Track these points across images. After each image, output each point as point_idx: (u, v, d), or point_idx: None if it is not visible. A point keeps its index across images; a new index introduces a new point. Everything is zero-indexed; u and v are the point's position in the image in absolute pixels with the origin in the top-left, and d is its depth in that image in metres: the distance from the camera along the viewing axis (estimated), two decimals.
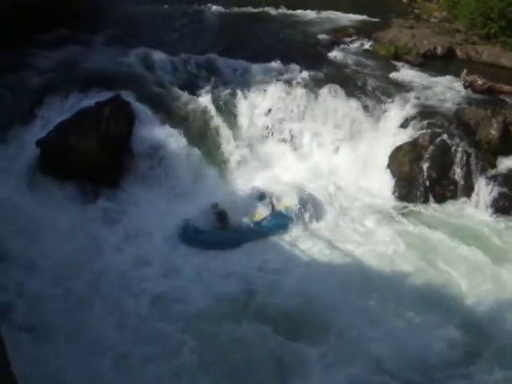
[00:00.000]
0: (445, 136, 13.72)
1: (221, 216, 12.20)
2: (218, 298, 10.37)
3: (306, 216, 12.62)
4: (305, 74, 15.63)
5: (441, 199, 13.44)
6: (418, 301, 10.50)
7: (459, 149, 13.56)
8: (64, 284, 10.41)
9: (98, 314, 9.85)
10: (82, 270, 10.80)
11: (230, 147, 14.13)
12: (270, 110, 14.84)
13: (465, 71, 16.11)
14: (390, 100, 14.86)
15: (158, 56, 16.10)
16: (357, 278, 10.97)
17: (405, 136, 13.99)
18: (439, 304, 10.46)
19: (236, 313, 10.06)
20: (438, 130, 13.85)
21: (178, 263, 11.33)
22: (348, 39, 19.25)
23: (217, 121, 14.28)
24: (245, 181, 13.68)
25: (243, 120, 14.65)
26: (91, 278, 10.63)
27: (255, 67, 15.88)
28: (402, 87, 15.56)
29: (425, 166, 13.52)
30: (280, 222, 12.41)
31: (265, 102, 14.89)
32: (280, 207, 12.63)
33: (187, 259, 11.45)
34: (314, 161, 14.36)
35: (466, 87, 15.81)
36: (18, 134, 13.23)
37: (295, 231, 12.39)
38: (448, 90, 15.68)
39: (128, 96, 13.91)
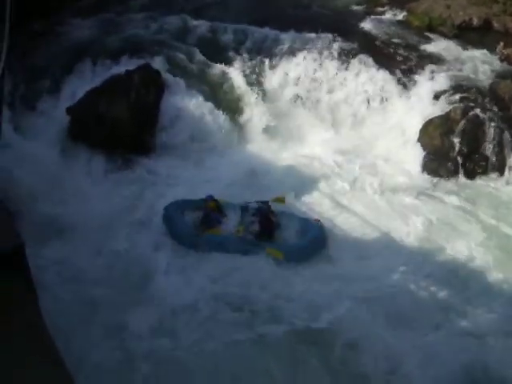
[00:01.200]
0: (478, 110, 13.43)
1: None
2: None
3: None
4: (336, 44, 15.39)
5: (471, 174, 13.18)
6: (450, 277, 10.37)
7: (492, 124, 13.26)
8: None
9: None
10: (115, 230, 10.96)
11: (259, 118, 14.00)
12: (299, 80, 14.69)
13: (501, 44, 15.66)
14: (422, 72, 14.55)
15: (189, 25, 16.02)
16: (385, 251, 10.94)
17: (436, 109, 13.72)
18: (469, 282, 10.30)
19: None
20: (471, 104, 13.56)
21: None
22: (381, 10, 18.77)
23: (246, 91, 14.20)
24: (273, 153, 13.61)
25: (273, 90, 14.54)
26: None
27: (286, 37, 15.69)
28: (435, 59, 15.20)
29: (456, 140, 13.27)
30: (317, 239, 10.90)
31: (295, 72, 14.73)
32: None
33: None
34: (343, 133, 14.21)
35: (502, 60, 15.38)
36: (49, 101, 13.42)
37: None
38: (483, 63, 15.26)
39: (158, 64, 13.93)
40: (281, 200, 11.32)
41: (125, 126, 12.84)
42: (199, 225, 10.81)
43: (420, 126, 13.63)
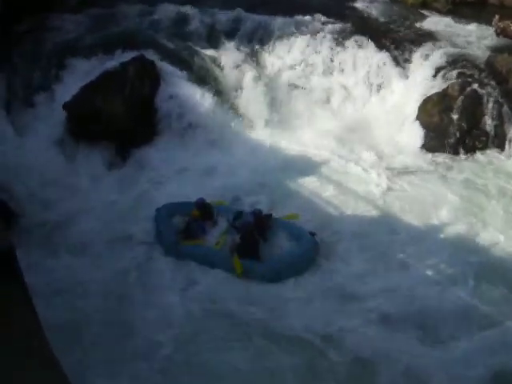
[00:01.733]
0: (476, 85, 13.31)
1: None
2: None
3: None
4: (330, 26, 15.25)
5: (471, 150, 13.09)
6: (450, 253, 10.31)
7: (491, 98, 13.14)
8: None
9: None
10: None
11: (256, 105, 13.95)
12: (295, 65, 14.61)
13: (497, 17, 15.46)
14: (418, 50, 14.38)
15: (182, 14, 15.87)
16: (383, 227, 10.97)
17: (434, 86, 13.60)
18: (470, 257, 10.20)
19: None
20: (469, 80, 13.43)
21: None
22: None
23: (242, 77, 14.10)
24: (272, 140, 13.55)
25: (269, 76, 14.44)
26: None
27: (280, 22, 15.52)
28: (431, 36, 15.05)
29: (455, 116, 13.16)
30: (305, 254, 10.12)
31: (290, 57, 14.66)
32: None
33: None
34: (341, 115, 14.12)
35: (498, 34, 15.20)
36: (45, 97, 13.41)
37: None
38: (479, 38, 15.11)
39: (152, 55, 13.85)
40: (294, 217, 10.63)
41: (121, 120, 12.80)
42: (181, 233, 10.35)
43: (418, 104, 13.54)
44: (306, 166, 12.74)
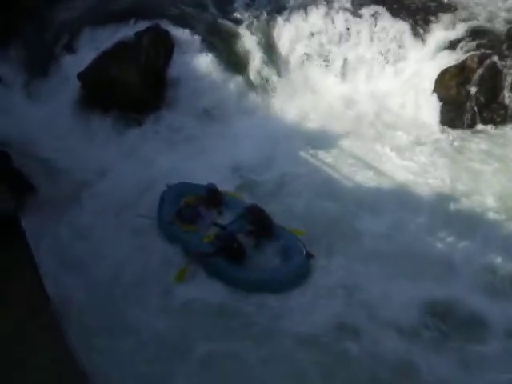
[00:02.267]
0: (495, 58, 13.00)
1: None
2: None
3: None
4: None
5: (489, 124, 12.87)
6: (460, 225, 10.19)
7: (510, 71, 12.88)
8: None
9: None
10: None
11: (269, 73, 13.87)
12: (311, 34, 14.37)
13: None
14: (436, 21, 14.05)
15: None
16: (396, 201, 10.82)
17: (452, 58, 13.32)
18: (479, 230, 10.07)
19: None
20: (488, 52, 13.13)
21: None
22: None
23: (257, 47, 14.01)
24: (286, 110, 13.47)
25: (284, 46, 14.29)
26: None
27: None
28: (450, 6, 14.64)
29: (473, 89, 12.91)
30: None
31: (306, 27, 14.40)
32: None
33: None
34: (356, 86, 13.95)
35: None
36: (59, 67, 13.55)
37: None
38: (499, 9, 14.73)
39: (167, 25, 13.78)
40: (301, 233, 9.82)
41: (135, 89, 12.84)
42: (175, 216, 10.06)
43: (435, 77, 13.29)
44: (318, 138, 12.63)
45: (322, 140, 12.59)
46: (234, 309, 8.60)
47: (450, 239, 9.87)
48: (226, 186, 10.76)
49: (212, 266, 9.22)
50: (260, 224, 9.54)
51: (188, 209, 10.06)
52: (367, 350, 7.84)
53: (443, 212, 10.54)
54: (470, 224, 10.14)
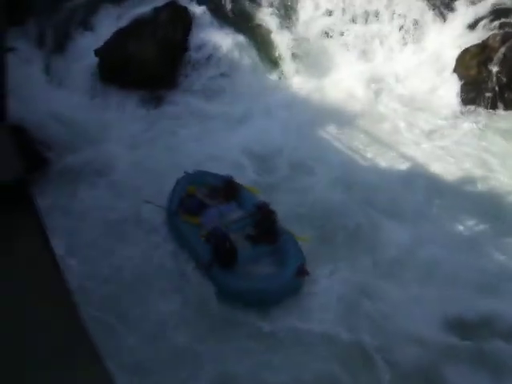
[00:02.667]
0: None
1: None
2: None
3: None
4: None
5: (511, 105, 12.73)
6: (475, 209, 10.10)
7: None
8: None
9: None
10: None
11: (288, 51, 13.68)
12: (330, 12, 14.20)
13: None
14: None
15: None
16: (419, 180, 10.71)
17: (473, 37, 13.18)
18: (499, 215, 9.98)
19: None
20: (511, 31, 12.96)
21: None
22: None
23: (275, 24, 13.86)
24: (305, 88, 13.34)
25: (303, 22, 14.12)
26: None
27: None
28: None
29: (494, 69, 12.71)
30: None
31: (326, 3, 14.21)
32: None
33: None
34: (376, 65, 13.76)
35: None
36: (76, 44, 13.39)
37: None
38: None
39: (185, 1, 13.66)
40: (305, 240, 9.09)
41: (153, 66, 12.71)
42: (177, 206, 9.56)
43: (456, 56, 13.12)
44: (336, 119, 12.49)
45: (340, 120, 12.46)
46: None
47: (479, 228, 9.72)
48: (237, 170, 10.52)
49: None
50: (264, 227, 8.86)
51: (189, 199, 9.53)
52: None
53: (467, 196, 10.39)
54: (497, 211, 9.99)
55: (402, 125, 12.31)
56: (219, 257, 8.40)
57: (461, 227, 9.79)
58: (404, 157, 11.48)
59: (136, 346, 7.60)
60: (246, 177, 10.53)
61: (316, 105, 12.85)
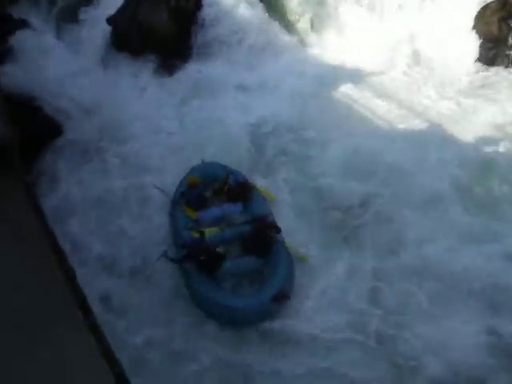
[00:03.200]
0: None
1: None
2: None
3: None
4: None
5: None
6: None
7: None
8: None
9: None
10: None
11: (302, 12, 13.52)
12: None
13: None
14: None
15: None
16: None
17: None
18: None
19: None
20: None
21: None
22: None
23: None
24: (319, 49, 13.27)
25: None
26: None
27: None
28: None
29: None
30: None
31: None
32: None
33: None
34: (393, 24, 13.34)
35: None
36: (89, 12, 13.38)
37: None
38: None
39: None
40: (304, 259, 8.66)
41: (166, 33, 12.64)
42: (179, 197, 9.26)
43: (475, 12, 12.71)
44: (353, 78, 12.36)
45: (357, 82, 12.28)
46: None
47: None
48: (242, 147, 10.47)
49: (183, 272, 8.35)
50: (258, 239, 8.32)
51: (191, 191, 9.12)
52: None
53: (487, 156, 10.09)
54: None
55: (420, 83, 12.12)
56: (199, 263, 7.98)
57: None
58: (419, 115, 11.30)
59: None
60: (256, 152, 10.49)
61: (329, 66, 12.68)
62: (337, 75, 12.44)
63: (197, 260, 7.98)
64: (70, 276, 4.03)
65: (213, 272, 8.04)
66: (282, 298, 7.83)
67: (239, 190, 9.07)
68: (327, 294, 8.25)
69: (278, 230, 8.40)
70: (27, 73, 11.48)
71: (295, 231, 9.03)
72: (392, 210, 9.27)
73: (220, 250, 8.22)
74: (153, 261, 8.31)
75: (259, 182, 9.69)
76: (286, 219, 9.09)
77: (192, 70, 12.60)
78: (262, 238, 8.27)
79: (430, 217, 9.13)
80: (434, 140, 10.56)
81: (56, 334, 3.79)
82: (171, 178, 9.75)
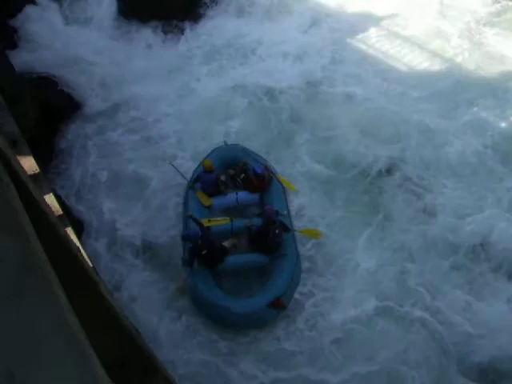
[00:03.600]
0: None
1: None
2: None
3: None
4: None
5: None
6: None
7: None
8: None
9: None
10: None
11: None
12: None
13: None
14: None
15: None
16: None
17: None
18: None
19: None
20: None
21: None
22: None
23: None
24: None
25: None
26: None
27: None
28: None
29: None
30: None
31: None
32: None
33: None
34: None
35: None
36: None
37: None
38: None
39: None
40: (314, 234, 8.34)
41: None
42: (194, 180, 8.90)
43: None
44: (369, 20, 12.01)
45: (378, 27, 11.86)
46: None
47: None
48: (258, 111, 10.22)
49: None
50: (263, 238, 7.83)
51: (206, 176, 8.66)
52: None
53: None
54: None
55: (439, 23, 11.70)
56: (200, 258, 7.67)
57: None
58: (436, 55, 11.01)
59: None
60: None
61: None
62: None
63: (199, 255, 7.62)
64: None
65: (214, 267, 7.71)
66: (278, 305, 7.45)
67: (257, 180, 8.59)
68: (353, 272, 7.96)
69: (287, 229, 7.97)
70: (37, 50, 11.14)
71: (316, 203, 8.82)
72: (420, 176, 8.95)
73: (227, 242, 7.90)
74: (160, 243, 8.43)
75: (278, 149, 9.54)
76: (306, 189, 8.95)
77: (202, 33, 12.15)
78: (268, 236, 7.75)
79: (463, 184, 8.77)
80: (463, 95, 10.12)
81: None
82: (191, 151, 9.69)
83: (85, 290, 2.39)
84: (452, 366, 6.95)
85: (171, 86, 10.97)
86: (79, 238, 8.27)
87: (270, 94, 10.59)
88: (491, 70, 10.55)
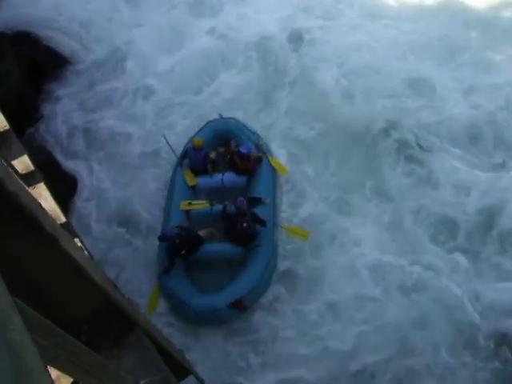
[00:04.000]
0: None
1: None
2: None
3: None
4: None
5: None
6: None
7: None
8: None
9: None
10: None
11: None
12: None
13: None
14: None
15: None
16: None
17: None
18: None
19: None
20: None
21: None
22: None
23: None
24: None
25: None
26: None
27: None
28: None
29: None
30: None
31: None
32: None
33: None
34: None
35: None
36: None
37: None
38: None
39: None
40: (301, 234, 7.89)
41: None
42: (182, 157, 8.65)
43: None
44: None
45: None
46: None
47: None
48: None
49: None
50: (232, 225, 7.58)
51: (194, 153, 8.33)
52: None
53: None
54: None
55: None
56: (179, 257, 7.49)
57: None
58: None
59: None
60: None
61: None
62: None
63: (177, 255, 7.41)
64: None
65: (187, 256, 7.47)
66: (239, 307, 7.28)
67: (241, 161, 8.19)
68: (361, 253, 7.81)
69: (262, 223, 7.60)
70: (20, 7, 10.81)
71: (307, 172, 8.65)
72: (422, 141, 8.60)
73: (203, 232, 7.60)
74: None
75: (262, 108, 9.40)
76: (302, 158, 8.77)
77: None
78: (236, 228, 7.50)
79: (471, 151, 8.44)
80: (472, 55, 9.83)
81: None
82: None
83: (41, 246, 2.18)
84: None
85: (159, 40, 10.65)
86: (72, 194, 8.21)
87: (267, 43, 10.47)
88: None
